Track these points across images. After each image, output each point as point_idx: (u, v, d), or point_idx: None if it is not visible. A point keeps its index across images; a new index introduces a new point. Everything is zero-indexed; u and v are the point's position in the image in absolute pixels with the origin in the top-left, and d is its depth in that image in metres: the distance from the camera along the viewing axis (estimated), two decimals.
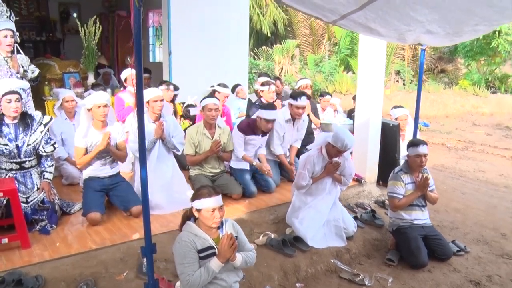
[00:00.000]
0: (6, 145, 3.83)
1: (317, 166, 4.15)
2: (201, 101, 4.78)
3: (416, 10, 2.88)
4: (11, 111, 3.84)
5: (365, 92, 5.32)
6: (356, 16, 3.00)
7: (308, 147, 4.36)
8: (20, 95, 3.92)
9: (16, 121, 3.92)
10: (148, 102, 4.40)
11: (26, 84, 4.08)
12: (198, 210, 2.85)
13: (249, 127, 4.98)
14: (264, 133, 5.06)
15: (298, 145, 5.50)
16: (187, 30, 6.86)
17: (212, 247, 2.83)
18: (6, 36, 4.57)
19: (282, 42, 18.26)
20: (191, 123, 5.98)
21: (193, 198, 2.89)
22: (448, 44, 3.87)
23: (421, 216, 4.26)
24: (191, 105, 6.20)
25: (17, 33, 4.70)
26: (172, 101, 6.00)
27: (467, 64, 15.58)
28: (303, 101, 5.10)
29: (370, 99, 5.27)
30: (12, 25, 4.62)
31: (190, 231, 2.87)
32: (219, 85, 6.28)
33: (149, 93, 4.35)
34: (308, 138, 6.02)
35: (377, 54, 5.16)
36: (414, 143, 4.23)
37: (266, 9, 17.74)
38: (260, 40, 18.94)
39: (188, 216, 2.98)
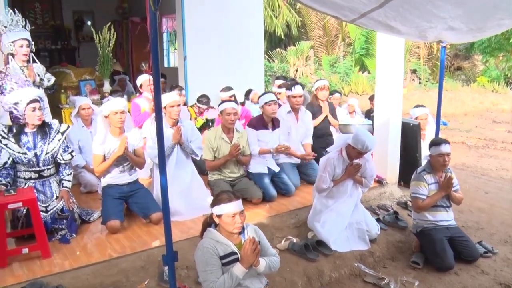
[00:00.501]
0: (25, 153, 3.83)
1: (337, 169, 4.07)
2: (219, 105, 4.73)
3: (439, 6, 2.81)
4: (35, 119, 3.85)
5: (384, 92, 5.23)
6: (376, 14, 2.93)
7: (328, 149, 4.28)
8: (40, 104, 3.94)
9: (34, 129, 3.92)
10: (165, 107, 4.37)
11: (41, 93, 4.08)
12: (219, 216, 2.80)
13: (259, 121, 5.03)
14: (274, 127, 5.07)
15: (309, 141, 5.49)
16: (202, 34, 6.84)
17: (235, 253, 2.78)
18: (22, 46, 4.59)
19: (295, 44, 18.18)
20: (204, 120, 5.95)
21: (213, 204, 2.85)
22: (470, 41, 3.78)
23: (446, 217, 4.15)
24: (203, 95, 6.21)
25: (33, 43, 4.71)
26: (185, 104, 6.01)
27: (484, 60, 15.29)
28: (298, 89, 5.23)
29: (389, 99, 5.17)
30: (27, 35, 4.63)
31: (212, 237, 2.82)
32: (222, 90, 6.26)
33: (166, 99, 4.32)
34: (327, 140, 5.95)
35: (395, 53, 5.06)
36: (436, 142, 4.13)
37: (279, 11, 17.69)
38: (274, 42, 18.89)
39: (209, 222, 2.94)
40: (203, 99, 6.25)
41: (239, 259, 2.76)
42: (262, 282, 2.94)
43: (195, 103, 6.23)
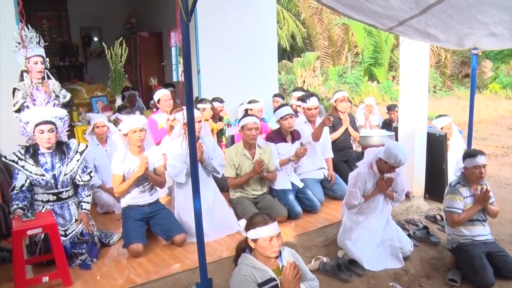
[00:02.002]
0: (43, 175, 3.67)
1: (368, 183, 3.89)
2: (240, 120, 4.57)
3: (483, 11, 2.66)
4: (43, 142, 3.68)
5: (409, 102, 5.06)
6: (416, 21, 2.79)
7: (357, 164, 4.10)
8: (55, 125, 3.76)
9: (52, 150, 3.76)
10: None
11: (62, 113, 3.90)
12: (254, 240, 2.63)
13: (277, 134, 4.93)
14: (293, 140, 4.95)
15: (330, 154, 5.40)
16: (215, 47, 6.71)
17: (274, 279, 2.61)
18: (36, 63, 4.46)
19: (300, 55, 18.08)
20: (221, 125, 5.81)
21: (248, 228, 2.68)
22: (510, 47, 3.62)
23: (482, 232, 3.95)
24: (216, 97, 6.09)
25: (47, 59, 4.58)
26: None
27: (496, 67, 15.13)
28: (313, 101, 5.19)
29: (414, 109, 5.01)
30: (42, 51, 4.51)
31: (248, 263, 2.64)
32: (249, 102, 6.08)
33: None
34: (348, 153, 5.80)
35: (420, 62, 4.91)
36: (471, 154, 3.94)
37: (284, 22, 17.62)
38: (279, 54, 18.76)
39: (243, 247, 2.76)
40: (218, 98, 6.12)
41: (279, 285, 2.58)
42: None
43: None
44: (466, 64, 18.14)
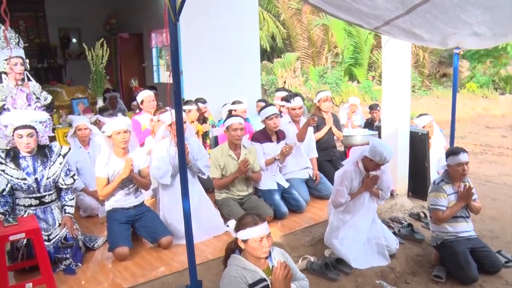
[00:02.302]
0: (25, 179, 3.58)
1: (354, 181, 3.91)
2: (225, 120, 4.55)
3: (467, 11, 2.71)
4: (22, 146, 3.58)
5: (392, 101, 5.11)
6: (401, 21, 2.82)
7: (343, 162, 4.13)
8: (35, 129, 3.63)
9: (33, 153, 3.67)
10: (170, 125, 4.18)
11: (43, 116, 3.78)
12: (245, 241, 2.62)
13: (263, 134, 4.92)
14: (278, 139, 4.95)
15: (315, 154, 5.41)
16: (197, 48, 6.66)
17: (264, 279, 2.60)
18: (16, 64, 4.36)
19: (281, 55, 18.14)
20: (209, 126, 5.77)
21: (238, 228, 2.66)
22: (490, 46, 3.70)
23: (466, 228, 4.03)
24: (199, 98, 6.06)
25: (27, 60, 4.48)
26: (204, 119, 5.82)
27: (473, 66, 15.45)
28: (297, 101, 5.22)
29: (397, 109, 5.07)
30: (21, 52, 4.41)
31: (238, 264, 2.63)
32: (233, 103, 6.05)
33: (168, 116, 4.12)
34: (331, 152, 5.82)
35: (402, 62, 4.97)
36: (454, 152, 4.01)
37: (264, 23, 17.65)
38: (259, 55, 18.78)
39: (233, 248, 2.74)
40: (201, 99, 6.07)
41: (269, 286, 2.57)
42: None
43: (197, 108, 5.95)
44: (443, 64, 18.48)
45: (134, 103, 7.13)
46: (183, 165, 2.48)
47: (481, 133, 10.83)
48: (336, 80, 15.50)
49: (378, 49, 16.51)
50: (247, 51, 7.30)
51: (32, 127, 3.61)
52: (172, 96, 2.46)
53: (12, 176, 3.55)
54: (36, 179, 3.63)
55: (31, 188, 3.62)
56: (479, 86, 14.72)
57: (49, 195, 3.74)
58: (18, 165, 3.59)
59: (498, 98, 14.00)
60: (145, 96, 5.36)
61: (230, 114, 5.44)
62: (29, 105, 3.80)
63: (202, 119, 5.89)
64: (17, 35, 4.42)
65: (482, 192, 6.25)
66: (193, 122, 5.43)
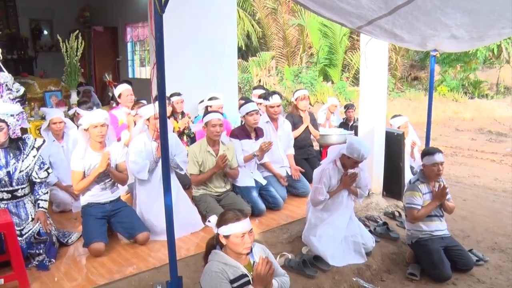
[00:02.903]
0: None
1: (333, 179, 3.94)
2: (203, 117, 4.51)
3: (447, 14, 2.78)
4: None
5: (368, 102, 5.18)
6: (384, 21, 2.87)
7: (321, 162, 4.16)
8: (6, 122, 3.50)
9: (5, 146, 3.55)
10: (148, 119, 4.12)
11: (15, 109, 3.66)
12: (226, 237, 2.60)
13: (241, 131, 4.93)
14: (257, 137, 4.96)
15: (292, 151, 5.44)
16: (174, 44, 6.55)
17: (245, 275, 2.59)
18: None
19: (256, 54, 18.15)
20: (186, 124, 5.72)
21: (219, 224, 2.64)
22: (467, 49, 3.80)
23: (440, 227, 4.12)
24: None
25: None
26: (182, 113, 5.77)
27: (444, 70, 15.84)
28: (275, 99, 5.25)
29: (373, 109, 5.14)
30: None
31: (219, 260, 2.61)
32: (210, 99, 6.00)
33: (150, 110, 4.07)
34: (308, 150, 5.86)
35: (379, 63, 5.04)
36: (429, 152, 4.09)
37: (239, 21, 17.60)
38: None
39: (214, 244, 2.72)
40: (176, 93, 5.99)
41: (251, 281, 2.56)
42: None
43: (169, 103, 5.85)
44: (415, 67, 18.89)
45: (111, 97, 7.01)
46: (166, 159, 2.44)
47: (452, 135, 11.11)
48: (311, 80, 15.62)
49: (353, 50, 16.73)
50: (225, 47, 7.25)
51: (2, 120, 3.49)
52: (154, 90, 2.42)
53: None
54: (8, 172, 3.52)
55: (3, 182, 3.51)
56: (449, 90, 15.11)
57: (21, 189, 3.63)
58: None
59: (467, 102, 14.41)
60: (123, 89, 5.27)
61: (207, 111, 5.40)
62: (1, 96, 3.68)
63: (181, 114, 5.83)
64: None
65: (453, 192, 6.34)
66: (169, 117, 5.36)
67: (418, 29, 3.01)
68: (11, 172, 3.54)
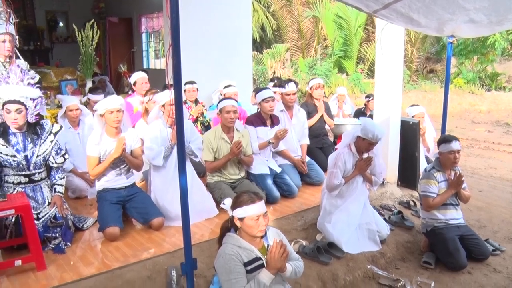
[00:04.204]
0: (14, 156, 3.51)
1: (348, 164, 3.92)
2: (218, 103, 4.51)
3: None
4: (9, 122, 3.50)
5: (384, 91, 5.12)
6: (400, 5, 2.82)
7: (336, 146, 4.14)
8: (25, 105, 3.54)
9: (23, 130, 3.60)
10: (163, 106, 4.14)
11: (35, 93, 3.67)
12: (241, 219, 2.59)
13: (257, 118, 4.91)
14: (273, 124, 4.94)
15: (306, 141, 5.40)
16: (190, 34, 6.58)
17: (259, 258, 2.58)
18: (4, 41, 4.24)
19: (271, 46, 18.09)
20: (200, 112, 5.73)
21: (234, 206, 2.63)
22: (485, 34, 3.74)
23: (456, 216, 4.07)
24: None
25: (17, 37, 4.37)
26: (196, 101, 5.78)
27: (460, 62, 15.60)
28: (291, 86, 5.19)
29: (389, 98, 5.07)
30: (11, 29, 4.28)
31: (233, 243, 2.60)
32: (225, 87, 5.99)
33: (165, 97, 4.08)
34: (323, 139, 5.84)
35: (395, 52, 4.96)
36: (446, 140, 4.03)
37: (254, 13, 17.55)
38: None
39: (228, 227, 2.72)
40: (190, 81, 5.99)
41: (264, 264, 2.56)
42: None
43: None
44: (430, 60, 18.65)
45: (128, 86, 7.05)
46: (182, 144, 2.45)
47: (468, 127, 10.96)
48: (326, 72, 15.51)
49: (368, 42, 16.57)
50: (239, 39, 7.25)
51: (22, 103, 3.52)
52: (170, 73, 2.42)
53: (1, 153, 3.49)
54: (26, 156, 3.57)
55: (21, 166, 3.56)
56: (466, 82, 14.87)
57: (38, 173, 3.68)
58: (7, 141, 3.51)
59: (484, 94, 14.17)
60: (138, 77, 5.30)
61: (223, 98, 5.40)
62: (22, 80, 3.71)
63: (195, 101, 5.84)
64: (8, 10, 4.30)
65: (469, 183, 6.25)
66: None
67: (435, 13, 2.95)
68: (29, 156, 3.58)
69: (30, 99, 3.62)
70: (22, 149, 3.56)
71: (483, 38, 13.46)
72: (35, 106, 3.69)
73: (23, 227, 3.30)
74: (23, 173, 3.60)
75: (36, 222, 3.48)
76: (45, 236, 3.57)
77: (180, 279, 3.09)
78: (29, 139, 3.61)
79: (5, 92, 3.53)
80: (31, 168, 3.61)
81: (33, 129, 3.65)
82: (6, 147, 3.50)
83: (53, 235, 3.59)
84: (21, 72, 3.64)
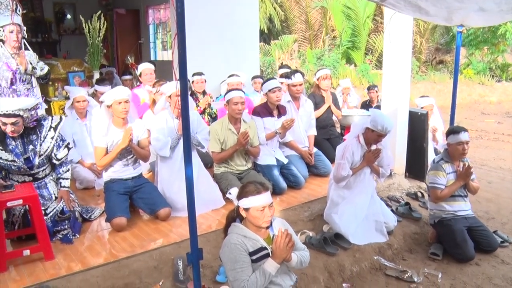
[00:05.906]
0: (14, 161, 3.49)
1: (356, 155, 3.90)
2: (225, 94, 4.50)
3: None
4: (8, 132, 3.43)
5: (392, 82, 5.08)
6: None
7: (345, 137, 4.11)
8: (22, 116, 3.42)
9: (20, 132, 3.51)
10: (170, 96, 4.13)
11: (30, 102, 3.50)
12: (246, 209, 2.59)
13: (264, 108, 4.88)
14: (279, 115, 4.92)
15: (313, 132, 5.37)
16: (197, 24, 6.55)
17: (265, 248, 2.58)
18: (12, 32, 4.27)
19: (278, 38, 18.00)
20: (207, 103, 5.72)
21: (240, 196, 2.63)
22: (495, 23, 3.67)
23: (464, 207, 4.04)
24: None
25: (24, 28, 4.38)
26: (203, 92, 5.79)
27: (470, 53, 15.40)
28: (298, 77, 5.14)
29: (397, 88, 5.03)
30: (18, 20, 4.30)
31: (239, 232, 2.61)
32: (230, 76, 5.96)
33: (171, 87, 4.07)
34: (330, 130, 5.81)
35: (403, 43, 4.91)
36: (454, 131, 4.00)
37: (261, 4, 17.45)
38: None
39: (234, 216, 2.72)
40: (197, 72, 5.94)
41: (270, 254, 2.56)
42: (292, 279, 2.76)
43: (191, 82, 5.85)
44: (440, 51, 18.44)
45: (125, 77, 7.05)
46: (187, 132, 2.44)
47: (477, 119, 10.84)
48: (334, 63, 15.42)
49: (376, 33, 16.42)
50: (247, 30, 7.22)
51: (18, 115, 3.40)
52: (175, 63, 2.41)
53: (0, 158, 3.47)
54: (27, 158, 3.54)
55: (22, 170, 3.56)
56: (476, 72, 14.70)
57: (42, 170, 3.69)
58: (5, 147, 3.48)
59: (494, 85, 13.99)
60: (144, 68, 5.30)
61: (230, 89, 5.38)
62: (12, 85, 3.68)
63: (203, 93, 5.82)
64: (14, 1, 4.31)
65: (478, 175, 6.20)
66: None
67: (444, 1, 2.91)
68: (31, 158, 3.56)
69: (27, 110, 3.47)
70: (21, 153, 3.53)
71: (493, 28, 13.28)
72: (32, 114, 3.55)
73: (31, 217, 3.32)
74: (26, 173, 3.61)
75: (44, 217, 3.46)
76: (55, 230, 3.57)
77: (187, 269, 3.12)
78: (28, 141, 3.56)
79: (1, 104, 3.40)
80: (35, 168, 3.61)
81: (31, 130, 3.59)
82: (5, 152, 3.48)
83: (62, 227, 3.60)
84: (13, 75, 3.56)
